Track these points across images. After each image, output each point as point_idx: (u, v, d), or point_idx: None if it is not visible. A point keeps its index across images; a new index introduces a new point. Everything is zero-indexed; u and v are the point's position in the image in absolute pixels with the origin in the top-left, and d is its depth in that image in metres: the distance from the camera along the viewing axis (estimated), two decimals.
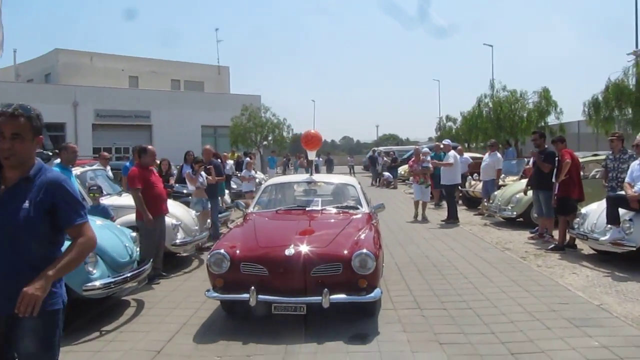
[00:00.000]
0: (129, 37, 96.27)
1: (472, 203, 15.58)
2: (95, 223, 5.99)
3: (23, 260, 2.56)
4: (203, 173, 9.88)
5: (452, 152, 13.52)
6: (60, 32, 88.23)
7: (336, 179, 8.50)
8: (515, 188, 11.98)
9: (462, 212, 14.63)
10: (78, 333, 5.14)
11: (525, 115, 19.19)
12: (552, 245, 9.04)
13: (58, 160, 7.19)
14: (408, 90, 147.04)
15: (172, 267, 8.04)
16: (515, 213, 11.48)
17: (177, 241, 7.92)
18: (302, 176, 8.90)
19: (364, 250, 5.17)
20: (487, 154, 13.95)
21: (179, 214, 8.28)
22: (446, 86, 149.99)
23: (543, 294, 6.27)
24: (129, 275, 5.57)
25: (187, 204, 9.72)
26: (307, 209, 6.80)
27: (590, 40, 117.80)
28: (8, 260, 2.54)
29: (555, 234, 9.70)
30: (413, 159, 14.30)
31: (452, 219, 12.51)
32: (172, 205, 8.35)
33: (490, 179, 13.46)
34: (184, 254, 8.81)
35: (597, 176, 10.85)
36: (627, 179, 7.77)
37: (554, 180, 9.47)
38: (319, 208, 6.75)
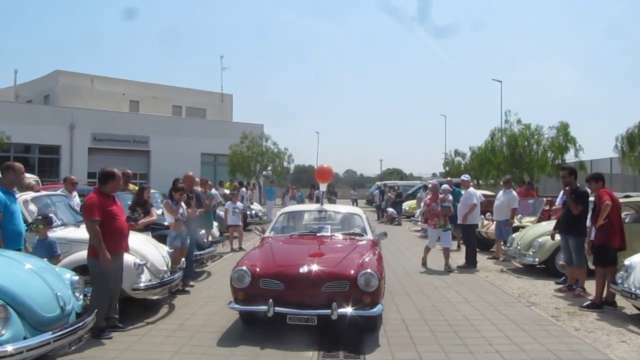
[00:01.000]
0: (131, 62, 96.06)
1: (485, 245, 14.16)
2: (23, 267, 4.69)
3: None
4: (183, 204, 8.58)
5: (472, 190, 12.23)
6: (63, 53, 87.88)
7: (344, 208, 9.18)
8: (537, 231, 10.63)
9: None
10: None
11: (541, 151, 18.01)
12: (588, 302, 7.62)
13: None
14: (413, 125, 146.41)
15: (133, 316, 6.65)
16: (537, 260, 10.07)
17: (141, 285, 6.55)
18: (313, 206, 9.79)
19: (369, 270, 5.86)
20: (501, 192, 12.63)
21: (144, 250, 6.92)
22: (452, 121, 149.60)
23: None
24: (51, 336, 4.19)
25: (165, 237, 8.42)
26: (317, 234, 7.49)
27: (605, 77, 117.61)
28: None
29: (588, 286, 8.32)
30: (430, 196, 11.48)
31: (470, 264, 11.15)
32: (138, 240, 7.02)
33: (505, 219, 12.12)
34: (154, 298, 7.43)
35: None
36: None
37: (588, 224, 8.14)
38: (329, 234, 7.44)
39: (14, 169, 6.01)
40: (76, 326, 4.57)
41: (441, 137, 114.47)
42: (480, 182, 20.44)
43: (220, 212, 14.63)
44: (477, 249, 13.97)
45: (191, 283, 8.96)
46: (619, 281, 7.07)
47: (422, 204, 15.69)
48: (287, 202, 24.03)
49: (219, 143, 35.54)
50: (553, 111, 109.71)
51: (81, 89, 37.59)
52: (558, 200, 9.23)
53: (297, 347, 5.56)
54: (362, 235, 7.58)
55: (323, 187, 9.61)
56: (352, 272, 5.90)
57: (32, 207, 7.20)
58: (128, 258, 6.42)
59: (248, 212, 19.97)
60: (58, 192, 9.24)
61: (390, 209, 24.15)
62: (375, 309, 5.80)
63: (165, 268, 7.08)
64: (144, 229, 8.38)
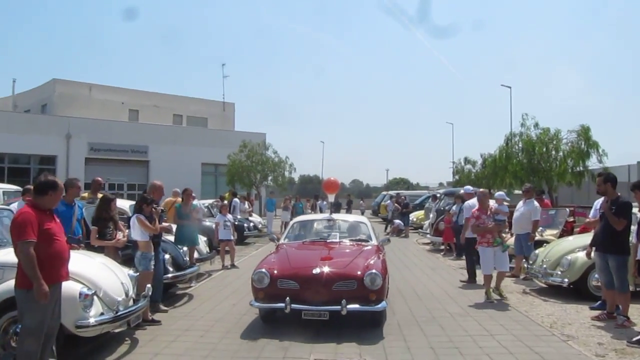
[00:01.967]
0: (131, 70, 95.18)
1: None
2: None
3: None
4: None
5: (472, 201, 11.02)
6: (62, 62, 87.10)
7: (351, 217, 10.33)
8: (565, 246, 9.29)
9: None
10: None
11: (560, 157, 16.59)
12: (638, 337, 6.28)
13: None
14: (419, 134, 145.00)
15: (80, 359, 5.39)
16: (567, 280, 8.71)
17: (89, 320, 5.27)
18: (324, 215, 10.33)
19: (374, 271, 6.55)
20: (521, 202, 11.29)
21: (95, 276, 5.63)
22: (459, 129, 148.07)
23: None
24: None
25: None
26: (327, 241, 8.20)
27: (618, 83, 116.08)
28: None
29: (632, 313, 7.01)
30: (477, 207, 9.22)
31: (471, 279, 10.48)
32: (89, 264, 5.77)
33: (525, 232, 10.78)
34: (115, 331, 6.15)
35: None
36: None
37: (633, 240, 6.83)
38: (337, 240, 8.18)
39: None
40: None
41: (448, 146, 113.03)
42: (492, 191, 19.01)
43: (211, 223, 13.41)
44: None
45: (163, 308, 7.70)
46: None
47: (444, 218, 14.38)
48: (282, 214, 23.09)
49: (220, 152, 34.34)
50: (559, 117, 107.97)
51: (79, 97, 36.64)
52: (592, 211, 7.93)
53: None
54: (368, 241, 8.30)
55: (331, 197, 10.79)
56: (359, 272, 6.61)
57: None
58: (72, 287, 5.16)
59: (245, 225, 18.68)
60: (11, 205, 7.98)
61: (396, 220, 22.80)
62: (379, 305, 6.54)
63: (123, 297, 5.79)
64: (112, 249, 7.16)
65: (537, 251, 9.92)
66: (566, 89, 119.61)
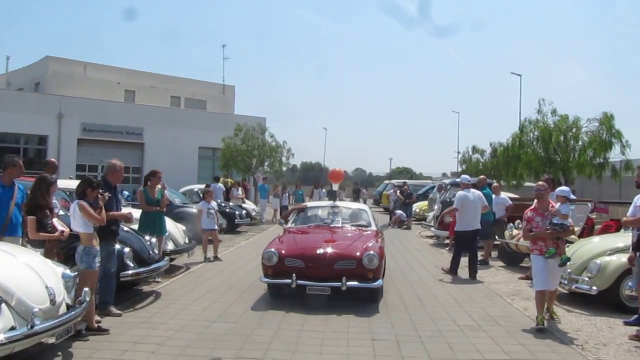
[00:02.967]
0: (128, 50, 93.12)
1: (513, 259, 11.56)
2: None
3: None
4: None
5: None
6: (58, 41, 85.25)
7: (353, 205, 11.25)
8: (593, 248, 8.01)
9: (502, 273, 10.63)
10: None
11: (579, 147, 15.17)
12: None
13: None
14: (423, 123, 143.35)
15: None
16: (595, 288, 7.41)
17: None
18: (328, 202, 10.65)
19: (371, 252, 7.28)
20: None
21: (7, 277, 4.36)
22: (464, 119, 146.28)
23: None
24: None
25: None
26: (330, 225, 8.89)
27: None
28: None
29: None
30: (534, 205, 6.84)
31: (452, 271, 10.00)
32: (3, 260, 4.50)
33: None
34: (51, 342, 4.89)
35: None
36: None
37: None
38: (340, 225, 8.91)
39: None
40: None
41: (453, 136, 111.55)
42: (502, 182, 17.60)
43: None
44: (503, 265, 11.53)
45: (116, 311, 6.47)
46: None
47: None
48: (272, 200, 22.05)
49: (219, 136, 32.63)
50: (574, 109, 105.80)
51: (73, 76, 35.18)
52: (631, 209, 6.62)
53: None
54: (368, 227, 8.97)
55: (335, 186, 11.90)
56: (358, 253, 7.24)
57: None
58: None
59: (237, 212, 17.44)
60: None
61: (398, 211, 21.45)
62: (376, 283, 7.18)
63: (46, 305, 4.53)
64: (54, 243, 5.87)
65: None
66: (576, 82, 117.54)
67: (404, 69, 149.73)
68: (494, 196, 12.24)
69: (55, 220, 5.98)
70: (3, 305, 4.15)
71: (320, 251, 7.35)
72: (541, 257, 6.58)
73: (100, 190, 5.84)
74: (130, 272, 7.00)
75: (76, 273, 5.29)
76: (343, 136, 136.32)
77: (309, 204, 11.90)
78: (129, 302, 7.21)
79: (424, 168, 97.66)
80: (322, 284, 7.05)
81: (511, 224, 11.61)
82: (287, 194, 22.35)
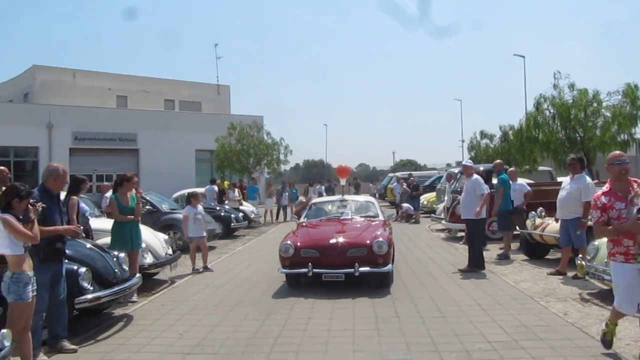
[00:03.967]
0: (118, 55, 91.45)
1: (538, 252, 10.31)
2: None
3: None
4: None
5: (478, 178, 9.58)
6: (45, 47, 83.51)
7: (360, 198, 12.07)
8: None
9: (528, 269, 9.38)
10: None
11: (600, 123, 13.79)
12: None
13: None
14: (424, 115, 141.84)
15: None
16: None
17: None
18: (337, 197, 11.23)
19: (380, 239, 7.71)
20: (567, 178, 8.73)
21: None
22: (466, 108, 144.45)
23: None
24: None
25: None
26: (341, 218, 9.42)
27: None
28: None
29: None
30: (607, 187, 4.75)
31: (474, 267, 9.04)
32: None
33: (574, 217, 8.24)
34: None
35: None
36: None
37: None
38: (349, 217, 9.43)
39: None
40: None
41: (455, 125, 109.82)
42: (513, 166, 16.14)
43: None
44: (526, 258, 10.31)
45: (69, 347, 5.28)
46: None
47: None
48: (266, 201, 21.44)
49: (215, 138, 31.93)
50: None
51: (62, 84, 34.12)
52: None
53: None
54: (376, 217, 9.51)
55: (343, 181, 13.00)
56: (368, 241, 7.75)
57: None
58: None
59: (233, 215, 16.25)
60: None
61: (405, 204, 20.26)
62: (386, 267, 7.66)
63: None
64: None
65: (596, 242, 7.34)
66: (580, 63, 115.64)
67: (402, 61, 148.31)
68: (511, 182, 11.01)
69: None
70: None
71: (333, 241, 7.89)
72: (629, 266, 4.46)
73: (32, 201, 4.62)
74: (88, 296, 5.79)
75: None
76: (344, 132, 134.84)
77: (315, 200, 12.65)
78: (91, 332, 6.01)
79: (427, 159, 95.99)
80: (336, 270, 7.51)
81: (533, 212, 10.36)
82: (286, 194, 21.16)
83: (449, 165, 46.32)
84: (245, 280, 8.95)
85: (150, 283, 8.85)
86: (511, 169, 11.89)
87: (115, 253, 6.84)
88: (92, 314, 6.58)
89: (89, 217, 8.45)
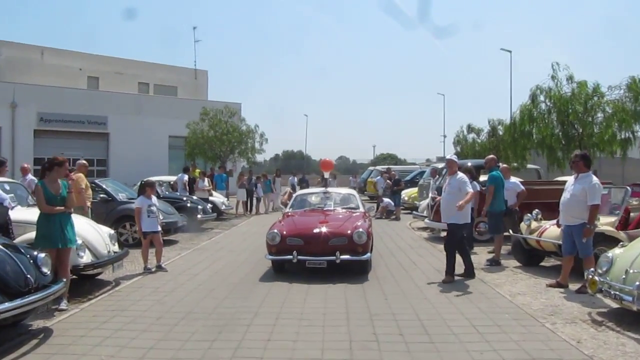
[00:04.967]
0: (91, 34, 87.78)
1: (532, 259, 9.26)
2: None
3: None
4: None
5: (463, 175, 8.18)
6: (12, 25, 79.72)
7: (342, 190, 12.14)
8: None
9: (523, 278, 8.31)
10: None
11: (599, 120, 12.86)
12: None
13: None
14: (406, 109, 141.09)
15: None
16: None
17: None
18: (320, 189, 11.82)
19: (360, 229, 8.29)
20: (571, 178, 7.64)
21: None
22: (449, 103, 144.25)
23: None
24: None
25: None
26: (324, 209, 10.08)
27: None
28: None
29: None
30: None
31: (470, 275, 8.17)
32: None
33: (580, 222, 7.16)
34: None
35: None
36: None
37: None
38: (332, 208, 10.09)
39: None
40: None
41: (437, 120, 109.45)
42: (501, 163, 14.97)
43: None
44: (520, 267, 9.29)
45: None
46: None
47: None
48: (238, 192, 20.19)
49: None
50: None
51: (29, 62, 32.25)
52: None
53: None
54: (356, 209, 10.10)
55: (326, 174, 13.54)
56: (349, 231, 8.32)
57: None
58: None
59: (200, 207, 14.97)
60: None
61: (386, 199, 19.18)
62: (365, 256, 8.23)
63: None
64: None
65: (610, 254, 6.27)
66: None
67: (386, 54, 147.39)
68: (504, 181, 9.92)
69: None
70: None
71: (316, 230, 8.43)
72: None
73: None
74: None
75: None
76: (325, 124, 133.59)
77: (306, 190, 13.86)
78: None
79: (408, 154, 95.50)
80: (319, 258, 8.07)
81: (528, 214, 9.30)
82: (259, 185, 20.03)
83: (428, 160, 45.44)
84: (202, 285, 7.72)
85: (89, 286, 7.59)
86: (504, 165, 10.80)
87: (35, 253, 5.56)
88: (10, 326, 5.32)
89: (10, 206, 7.12)
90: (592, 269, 6.25)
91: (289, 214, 9.91)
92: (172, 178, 18.23)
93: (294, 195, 11.49)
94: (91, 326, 5.64)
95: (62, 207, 6.42)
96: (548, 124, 13.14)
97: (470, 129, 22.53)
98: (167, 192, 15.80)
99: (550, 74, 13.25)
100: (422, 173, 22.58)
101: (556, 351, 4.83)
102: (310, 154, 61.18)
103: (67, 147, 28.92)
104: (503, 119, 20.10)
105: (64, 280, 5.76)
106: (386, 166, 28.21)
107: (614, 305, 6.10)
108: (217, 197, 18.12)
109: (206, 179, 17.37)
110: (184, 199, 15.09)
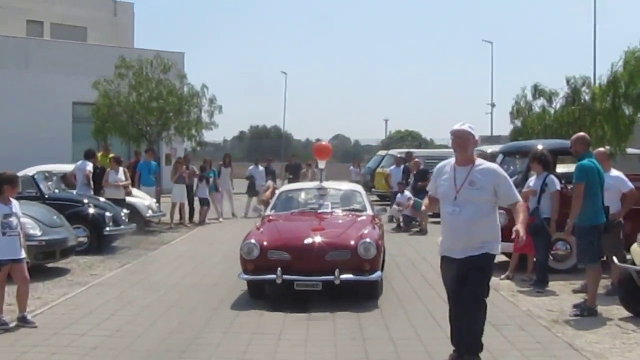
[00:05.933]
0: None
1: None
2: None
3: None
4: None
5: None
6: None
7: (344, 185, 13.65)
8: None
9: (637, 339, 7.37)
10: None
11: None
12: None
13: None
14: (435, 64, 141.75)
15: None
16: None
17: None
18: (313, 184, 12.95)
19: (368, 240, 8.98)
20: None
21: None
22: (500, 54, 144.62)
23: None
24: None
25: None
26: (318, 211, 10.79)
27: None
28: None
29: None
30: None
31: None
32: None
33: None
34: None
35: None
36: None
37: None
38: (329, 210, 10.79)
39: None
40: None
41: (478, 84, 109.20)
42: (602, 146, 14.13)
43: None
44: (632, 316, 8.42)
45: None
46: None
47: None
48: (174, 189, 20.19)
49: None
50: None
51: None
52: None
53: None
54: (362, 211, 10.91)
55: (321, 164, 13.78)
56: (353, 242, 9.00)
57: None
58: None
59: (109, 214, 14.16)
60: None
61: (406, 192, 18.56)
62: (374, 275, 8.93)
63: None
64: None
65: None
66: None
67: None
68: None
69: None
70: None
71: (308, 241, 9.10)
72: None
73: None
74: None
75: None
76: (313, 88, 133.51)
77: (294, 184, 15.33)
78: None
79: (436, 133, 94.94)
80: (312, 278, 8.72)
81: None
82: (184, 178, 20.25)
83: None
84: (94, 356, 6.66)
85: None
86: (600, 149, 10.00)
87: None
88: None
89: None
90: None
91: (271, 217, 10.68)
92: (70, 167, 17.45)
93: (278, 192, 12.49)
94: None
95: None
96: None
97: (538, 91, 21.57)
98: (55, 191, 14.90)
99: None
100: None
101: None
102: (291, 132, 60.78)
103: None
104: (588, 77, 19.15)
105: None
106: (405, 150, 28.07)
107: None
108: (140, 198, 17.46)
109: (121, 169, 16.61)
110: (84, 201, 14.28)
